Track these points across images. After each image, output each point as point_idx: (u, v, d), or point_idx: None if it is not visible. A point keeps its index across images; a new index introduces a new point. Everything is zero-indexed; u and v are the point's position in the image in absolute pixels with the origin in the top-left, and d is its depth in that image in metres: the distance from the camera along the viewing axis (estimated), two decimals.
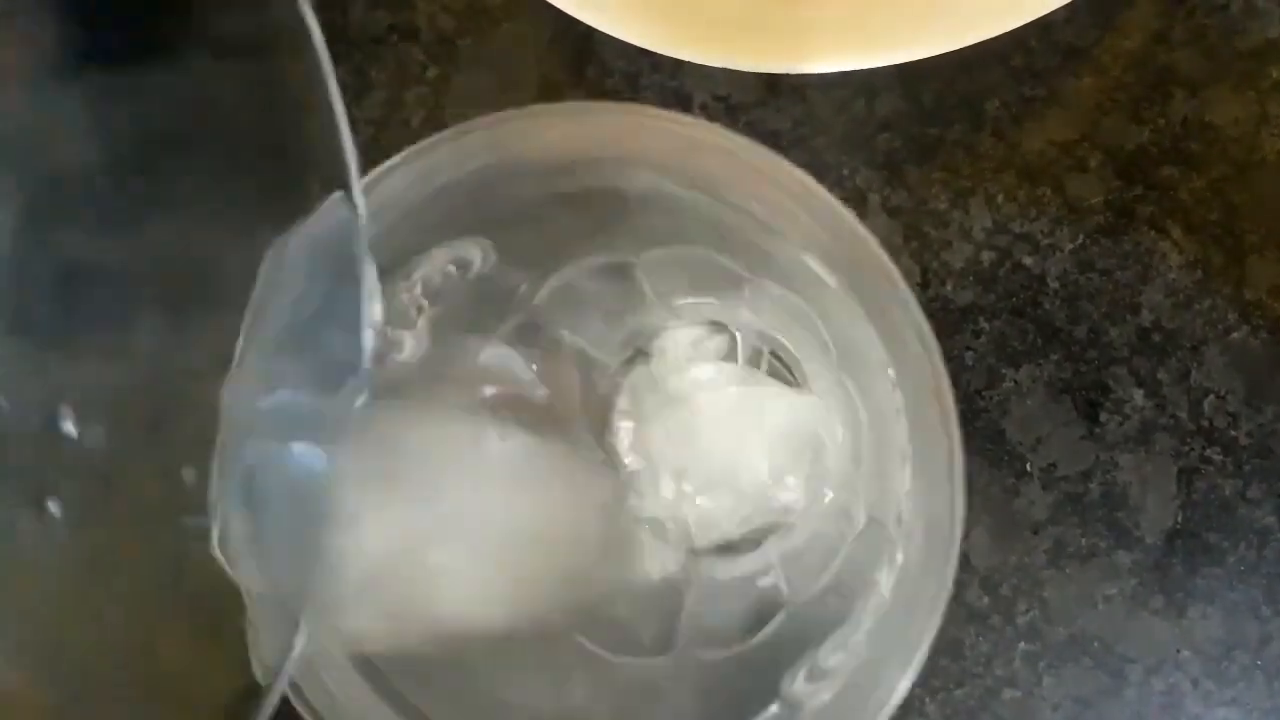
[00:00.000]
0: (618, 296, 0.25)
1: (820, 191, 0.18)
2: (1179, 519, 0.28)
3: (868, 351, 0.19)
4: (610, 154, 0.19)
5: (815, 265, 0.18)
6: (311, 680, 0.16)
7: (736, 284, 0.24)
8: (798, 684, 0.18)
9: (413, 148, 0.18)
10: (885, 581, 0.18)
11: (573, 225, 0.22)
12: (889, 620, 0.17)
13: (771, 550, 0.25)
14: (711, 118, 0.30)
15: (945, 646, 0.28)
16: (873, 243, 0.18)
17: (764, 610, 0.22)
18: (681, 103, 0.30)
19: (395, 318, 0.20)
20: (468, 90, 0.31)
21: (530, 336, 0.24)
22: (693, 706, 0.20)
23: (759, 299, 0.24)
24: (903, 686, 0.17)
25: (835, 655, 0.18)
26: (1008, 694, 0.28)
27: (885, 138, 0.30)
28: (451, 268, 0.21)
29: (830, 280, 0.18)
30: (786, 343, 0.26)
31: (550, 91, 0.31)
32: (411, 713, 0.18)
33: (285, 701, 0.17)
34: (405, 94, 0.31)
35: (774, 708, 0.18)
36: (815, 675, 0.18)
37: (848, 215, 0.18)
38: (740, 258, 0.22)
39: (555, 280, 0.24)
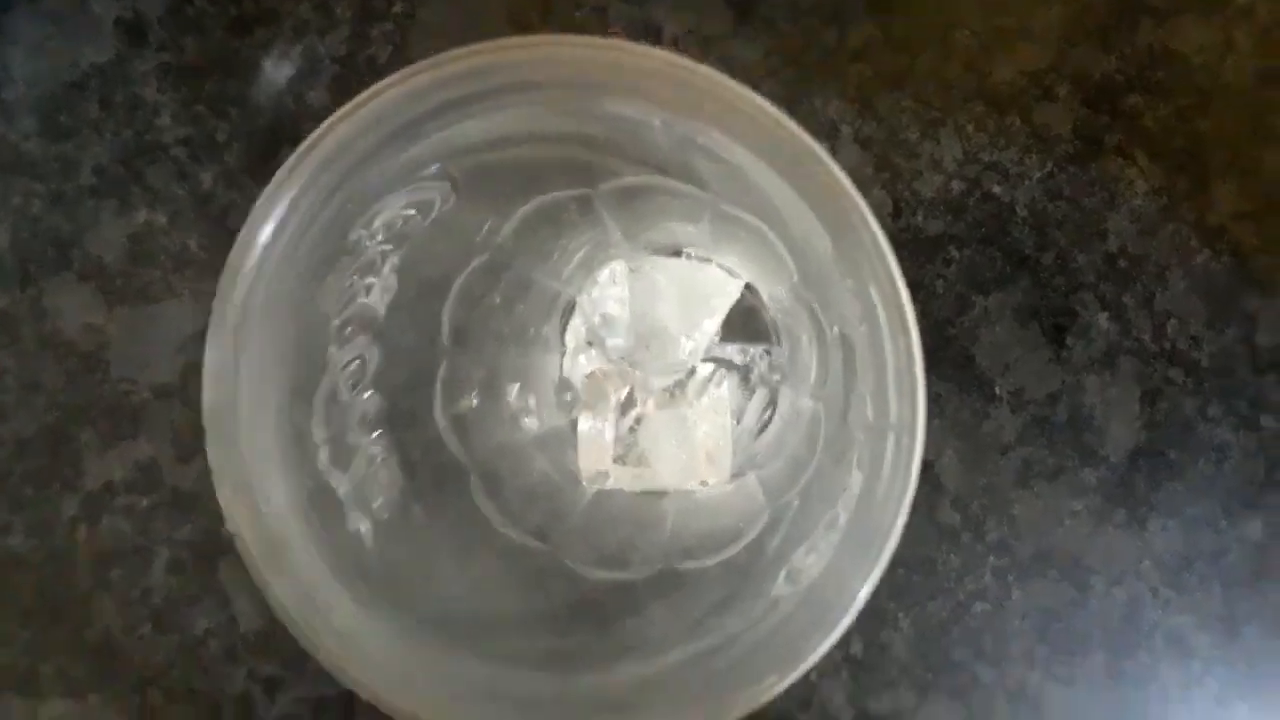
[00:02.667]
0: (580, 230, 0.25)
1: (763, 105, 0.18)
2: (1142, 438, 0.29)
3: (826, 264, 0.19)
4: (570, 88, 0.19)
5: (771, 183, 0.19)
6: (312, 616, 0.17)
7: (696, 211, 0.24)
8: (777, 586, 0.19)
9: (366, 91, 0.18)
10: (855, 483, 0.18)
11: (532, 161, 0.22)
12: (858, 522, 0.18)
13: (747, 465, 0.26)
14: (682, 50, 0.30)
15: (918, 563, 0.29)
16: (819, 149, 0.18)
17: (743, 521, 0.23)
18: (651, 34, 0.30)
19: (362, 265, 0.20)
20: (434, 25, 0.30)
21: (496, 274, 0.24)
22: (674, 616, 0.21)
23: (721, 229, 0.25)
24: (867, 587, 0.17)
25: (810, 556, 0.19)
26: (978, 607, 0.29)
27: (857, 68, 0.30)
28: (412, 210, 0.21)
29: (787, 200, 0.19)
30: (748, 267, 0.27)
31: (518, 24, 0.30)
32: (389, 623, 0.18)
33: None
34: (370, 30, 0.30)
35: (754, 610, 0.19)
36: (793, 577, 0.19)
37: (796, 130, 0.18)
38: (696, 182, 0.22)
39: (517, 217, 0.24)
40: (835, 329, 0.22)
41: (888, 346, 0.18)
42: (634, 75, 0.18)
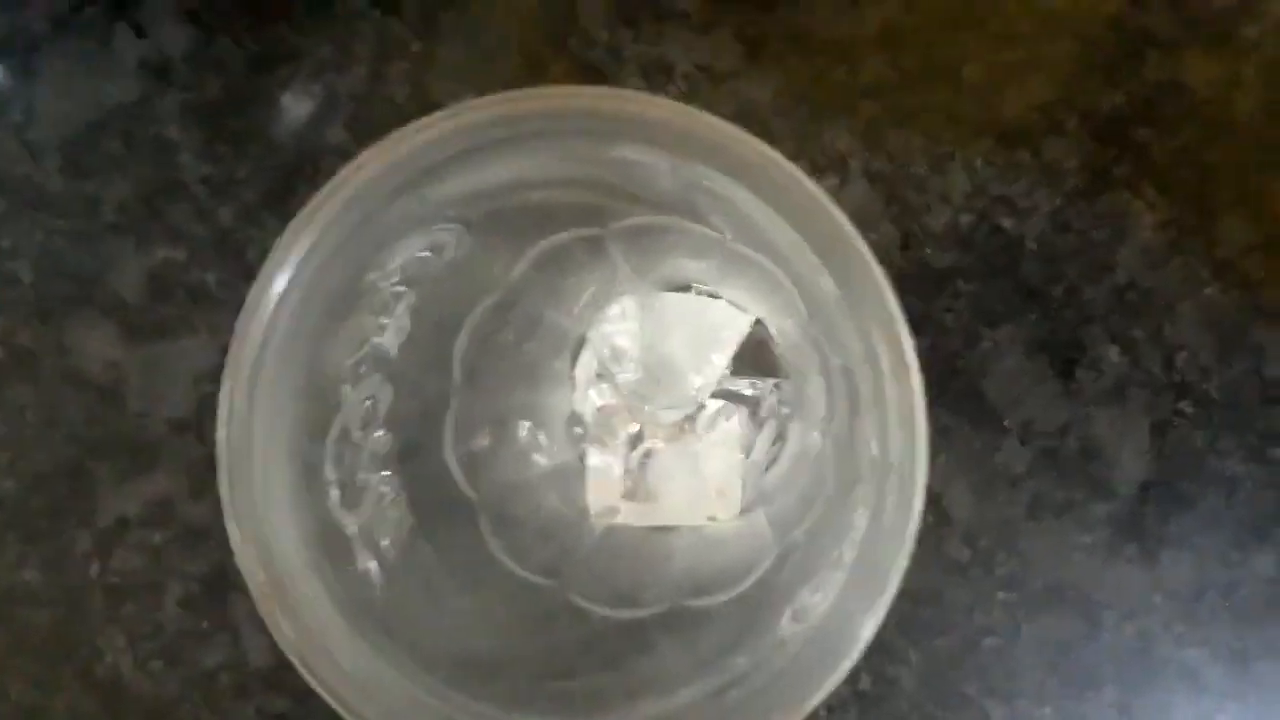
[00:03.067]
0: (590, 269, 0.26)
1: (773, 155, 0.18)
2: (1152, 470, 0.29)
3: (831, 303, 0.20)
4: (582, 135, 0.19)
5: (775, 225, 0.19)
6: (320, 655, 0.17)
7: (704, 249, 0.25)
8: (784, 624, 0.19)
9: (385, 139, 0.19)
10: (860, 521, 0.18)
11: (545, 204, 0.23)
12: (863, 561, 0.18)
13: (756, 501, 0.26)
14: (694, 87, 0.30)
15: (927, 597, 0.29)
16: (821, 193, 0.18)
17: (752, 557, 0.23)
18: (664, 72, 0.30)
19: (376, 306, 0.21)
20: (452, 63, 0.31)
21: (506, 313, 0.25)
22: (683, 654, 0.21)
23: (729, 265, 0.25)
24: (872, 623, 0.17)
25: (817, 594, 0.19)
26: (988, 641, 0.29)
27: (867, 104, 0.30)
28: (427, 252, 0.21)
29: (791, 241, 0.19)
30: (756, 302, 0.27)
31: (533, 63, 0.31)
32: (398, 663, 0.18)
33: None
34: (388, 68, 0.31)
35: (762, 647, 0.19)
36: (800, 615, 0.19)
37: (799, 174, 0.18)
38: (704, 223, 0.23)
39: (529, 257, 0.24)
40: (841, 365, 0.23)
41: (889, 387, 0.18)
42: (643, 123, 0.19)
